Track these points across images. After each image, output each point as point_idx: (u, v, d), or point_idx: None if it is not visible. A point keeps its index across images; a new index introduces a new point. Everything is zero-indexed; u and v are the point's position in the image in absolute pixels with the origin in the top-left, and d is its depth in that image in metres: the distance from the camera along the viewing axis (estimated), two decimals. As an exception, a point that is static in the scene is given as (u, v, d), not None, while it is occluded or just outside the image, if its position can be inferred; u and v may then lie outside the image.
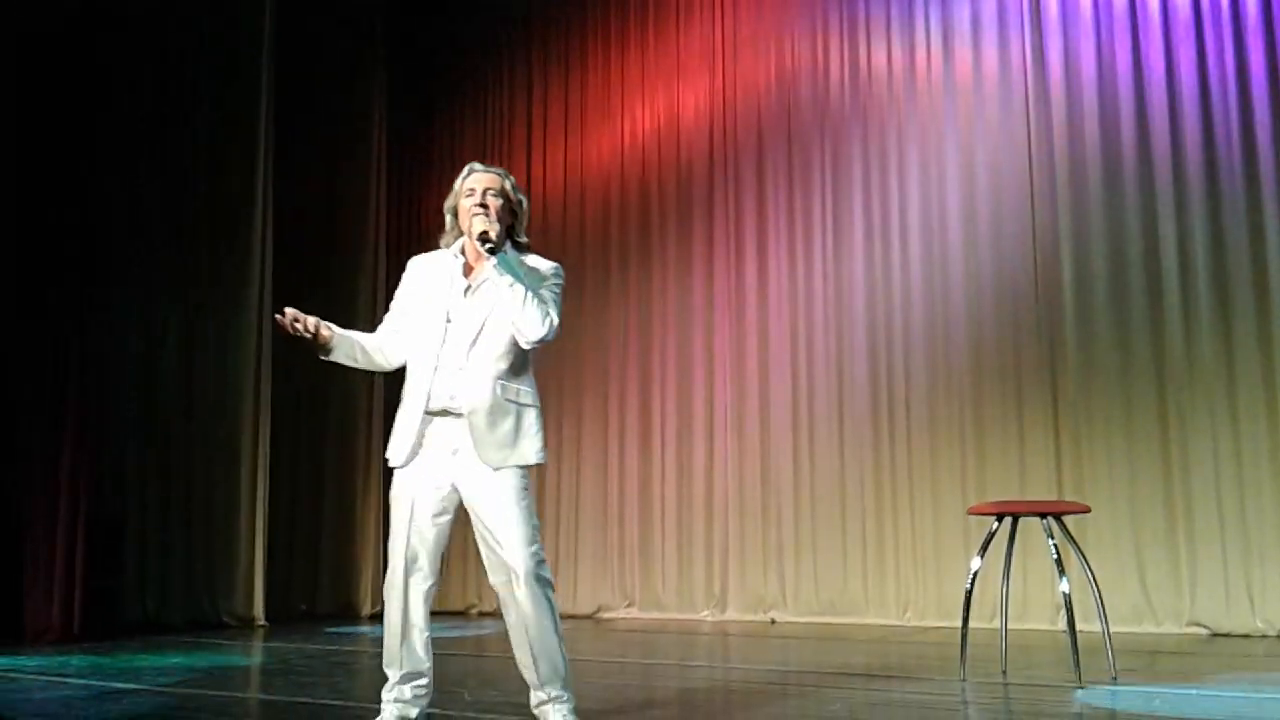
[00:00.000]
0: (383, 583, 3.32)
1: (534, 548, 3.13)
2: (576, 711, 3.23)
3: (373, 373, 3.56)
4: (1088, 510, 4.64)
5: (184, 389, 7.82)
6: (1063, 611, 4.46)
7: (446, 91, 9.88)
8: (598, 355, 8.77)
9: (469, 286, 3.28)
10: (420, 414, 3.20)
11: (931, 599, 7.10)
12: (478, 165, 3.40)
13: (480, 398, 3.17)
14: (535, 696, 3.24)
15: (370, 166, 9.29)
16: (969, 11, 7.52)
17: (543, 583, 3.15)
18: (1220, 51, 6.68)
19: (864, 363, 7.63)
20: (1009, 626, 4.73)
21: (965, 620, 4.56)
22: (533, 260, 3.36)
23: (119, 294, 7.60)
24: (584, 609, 8.37)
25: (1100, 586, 4.44)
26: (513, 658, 3.25)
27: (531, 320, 3.15)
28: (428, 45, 9.97)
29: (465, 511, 3.24)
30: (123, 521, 7.48)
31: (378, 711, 3.23)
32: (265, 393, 8.10)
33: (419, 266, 3.44)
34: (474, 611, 8.57)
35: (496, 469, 3.14)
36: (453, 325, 3.24)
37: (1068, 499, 6.42)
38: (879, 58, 7.84)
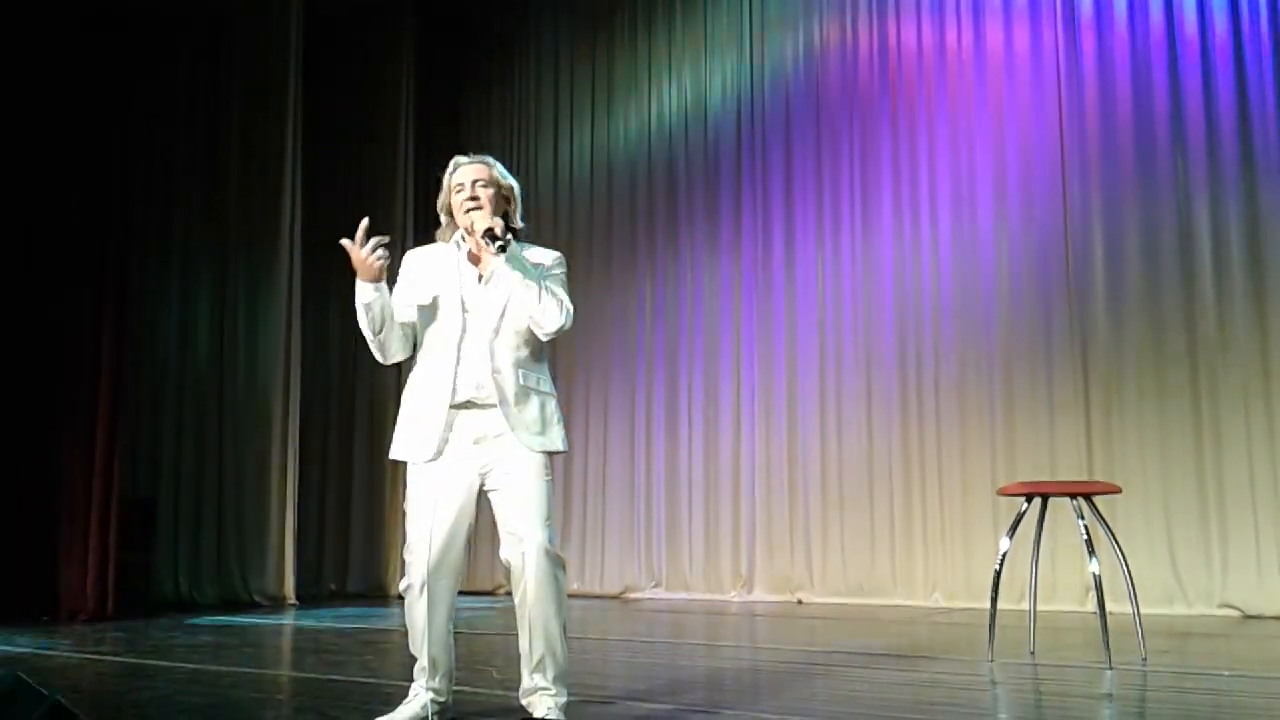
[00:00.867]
0: (402, 581, 3.18)
1: (548, 524, 3.08)
2: (566, 711, 3.07)
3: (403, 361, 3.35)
4: (1118, 491, 4.60)
5: (216, 370, 7.91)
6: (1092, 593, 4.42)
7: (475, 71, 9.88)
8: (625, 336, 8.77)
9: (481, 275, 3.18)
10: (445, 408, 3.10)
11: (960, 580, 7.08)
12: (462, 158, 3.27)
13: (508, 386, 3.10)
14: (525, 682, 3.10)
15: (398, 148, 9.31)
16: (1000, -13, 7.43)
17: (553, 559, 3.06)
18: (1256, 27, 6.57)
19: (892, 342, 7.59)
20: (1038, 608, 4.70)
21: (994, 601, 4.54)
22: (533, 253, 3.24)
23: (153, 277, 7.72)
24: (611, 589, 8.40)
25: (1131, 568, 4.41)
26: None
27: (550, 312, 3.09)
28: (456, 24, 9.96)
29: (486, 498, 3.16)
30: (155, 501, 7.58)
31: (406, 690, 3.24)
32: (296, 375, 8.17)
33: (419, 259, 3.30)
34: (501, 591, 8.61)
35: (532, 451, 3.09)
36: (471, 315, 3.14)
37: (1098, 479, 6.37)
38: (909, 35, 7.77)
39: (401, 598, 3.22)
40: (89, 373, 6.75)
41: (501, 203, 3.24)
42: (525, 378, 3.15)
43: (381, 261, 3.07)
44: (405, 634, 3.23)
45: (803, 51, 8.23)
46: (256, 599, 7.70)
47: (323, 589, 8.68)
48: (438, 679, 3.17)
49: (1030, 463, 6.87)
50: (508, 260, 3.09)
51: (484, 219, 3.11)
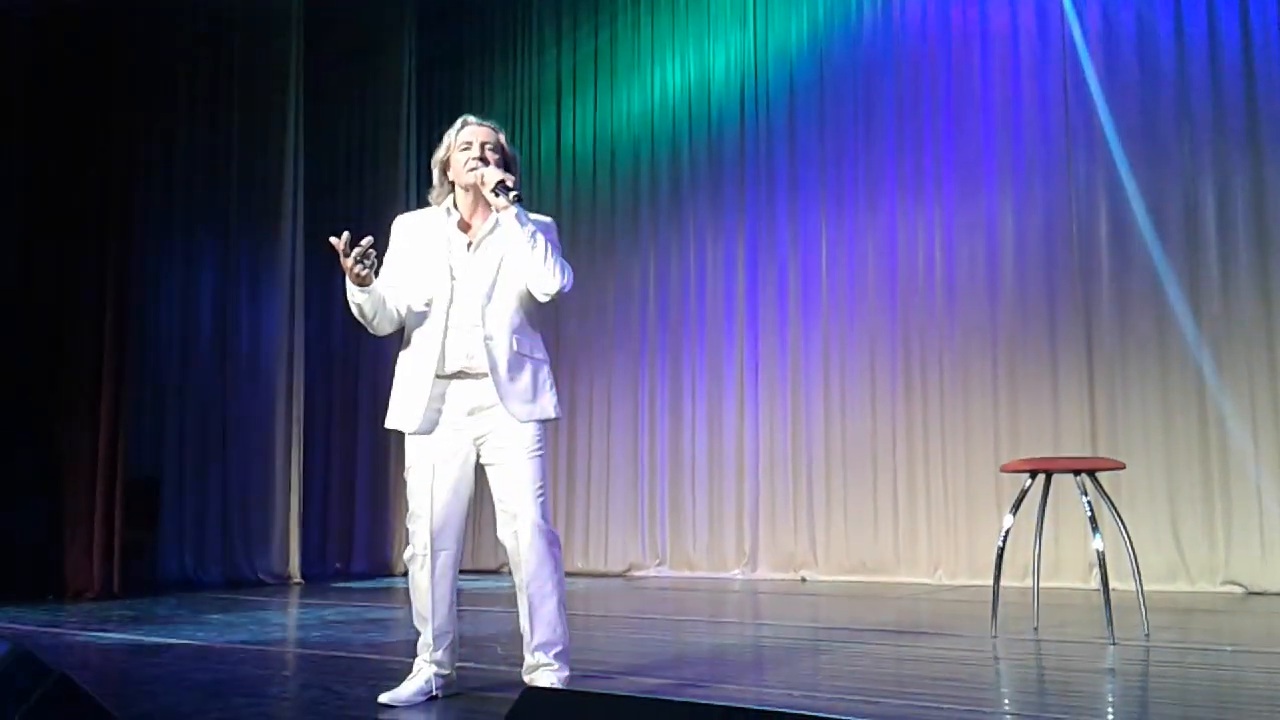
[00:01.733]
0: (405, 550, 3.20)
1: (541, 499, 3.08)
2: (569, 686, 3.06)
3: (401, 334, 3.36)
4: (1122, 467, 4.60)
5: (220, 350, 7.92)
6: (1096, 569, 4.43)
7: (477, 47, 9.83)
8: (629, 313, 8.76)
9: (470, 243, 3.18)
10: (431, 377, 3.11)
11: (963, 557, 7.09)
12: (471, 118, 3.28)
13: (500, 355, 3.09)
14: (528, 660, 3.13)
15: (400, 125, 9.27)
16: (1005, -39, 7.38)
17: (547, 534, 3.08)
18: (1264, 1, 6.52)
19: (896, 319, 7.57)
20: (1041, 584, 4.71)
21: (997, 578, 4.55)
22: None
23: (157, 257, 7.72)
24: (615, 567, 8.43)
25: (1134, 544, 4.41)
26: None
27: (554, 271, 3.08)
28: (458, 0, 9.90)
29: (484, 472, 3.17)
30: (160, 481, 7.60)
31: (411, 666, 3.25)
32: (300, 354, 8.18)
33: (408, 225, 3.30)
34: (505, 569, 8.59)
35: (522, 422, 3.11)
36: (459, 283, 3.14)
37: (1102, 455, 6.37)
38: (914, 12, 7.72)
39: (406, 573, 3.23)
40: (93, 352, 6.75)
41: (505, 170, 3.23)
42: (519, 344, 3.14)
43: (368, 271, 3.08)
44: (410, 611, 3.23)
45: (807, 28, 8.18)
46: (262, 577, 7.73)
47: (327, 567, 8.71)
48: (441, 652, 3.18)
49: (1034, 439, 6.87)
50: (517, 216, 3.08)
51: (495, 172, 3.11)
